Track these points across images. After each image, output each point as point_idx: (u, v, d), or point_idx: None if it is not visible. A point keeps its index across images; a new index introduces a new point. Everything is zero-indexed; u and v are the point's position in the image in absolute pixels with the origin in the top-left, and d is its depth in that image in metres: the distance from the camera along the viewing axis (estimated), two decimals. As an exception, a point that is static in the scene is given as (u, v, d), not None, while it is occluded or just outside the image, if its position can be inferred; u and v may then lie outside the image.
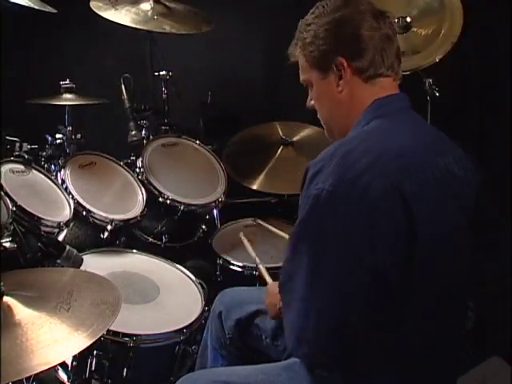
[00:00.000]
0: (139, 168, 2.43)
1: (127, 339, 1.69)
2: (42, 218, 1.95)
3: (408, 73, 2.23)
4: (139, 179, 2.40)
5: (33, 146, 2.30)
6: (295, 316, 1.26)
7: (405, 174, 1.21)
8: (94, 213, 2.17)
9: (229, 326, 1.68)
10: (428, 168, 1.26)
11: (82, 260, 1.55)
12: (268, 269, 1.90)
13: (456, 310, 1.37)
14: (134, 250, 2.15)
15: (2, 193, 1.86)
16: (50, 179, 2.19)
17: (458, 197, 1.29)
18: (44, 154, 2.40)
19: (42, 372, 1.11)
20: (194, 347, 1.84)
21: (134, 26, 2.51)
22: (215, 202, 2.46)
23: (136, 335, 1.69)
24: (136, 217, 2.26)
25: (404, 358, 1.26)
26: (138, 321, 1.76)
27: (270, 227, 2.41)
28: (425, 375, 1.30)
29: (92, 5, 2.53)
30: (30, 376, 1.57)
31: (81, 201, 2.18)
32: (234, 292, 1.78)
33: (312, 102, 1.45)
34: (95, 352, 1.69)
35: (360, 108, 1.35)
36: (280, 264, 1.35)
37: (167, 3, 2.68)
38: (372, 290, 1.19)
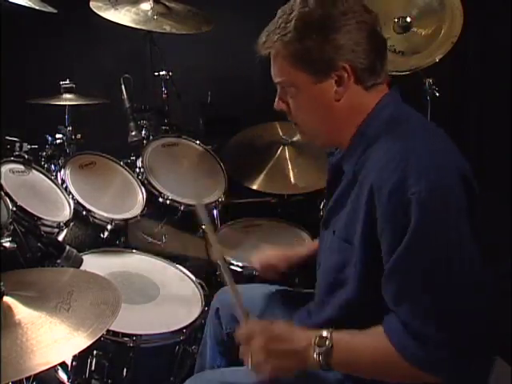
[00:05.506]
0: (139, 168, 2.43)
1: (127, 339, 1.69)
2: (42, 218, 1.95)
3: (408, 73, 2.24)
4: (139, 179, 2.41)
5: (33, 146, 2.31)
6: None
7: (465, 163, 1.22)
8: (94, 212, 2.17)
9: (226, 320, 1.66)
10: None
11: (82, 260, 1.54)
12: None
13: None
14: (134, 250, 2.14)
15: (2, 193, 1.86)
16: (50, 179, 2.19)
17: None
18: (44, 153, 2.41)
19: (41, 372, 1.10)
20: (193, 347, 1.83)
21: (134, 25, 2.51)
22: (215, 202, 2.46)
23: (136, 335, 1.69)
24: (136, 216, 2.26)
25: None
26: (138, 321, 1.75)
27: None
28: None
29: (92, 5, 2.53)
30: (30, 376, 1.57)
31: (81, 201, 2.18)
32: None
33: (284, 103, 1.31)
34: (95, 352, 1.69)
35: (359, 115, 1.27)
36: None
37: (167, 3, 2.68)
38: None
